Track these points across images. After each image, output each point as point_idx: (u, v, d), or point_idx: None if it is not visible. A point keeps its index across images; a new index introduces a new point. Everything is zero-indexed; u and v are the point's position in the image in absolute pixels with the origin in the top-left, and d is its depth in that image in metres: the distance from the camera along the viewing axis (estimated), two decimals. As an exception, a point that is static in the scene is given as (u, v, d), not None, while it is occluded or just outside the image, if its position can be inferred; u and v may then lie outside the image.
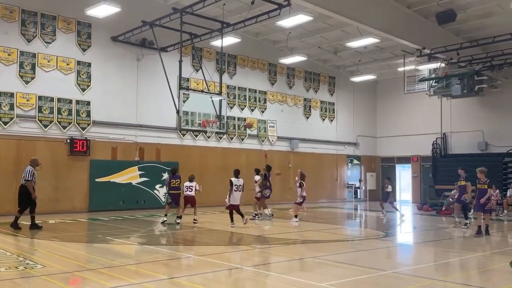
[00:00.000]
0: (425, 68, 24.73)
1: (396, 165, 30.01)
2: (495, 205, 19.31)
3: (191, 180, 14.88)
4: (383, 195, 19.74)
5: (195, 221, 14.70)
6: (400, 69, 25.16)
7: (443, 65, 22.62)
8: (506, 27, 19.39)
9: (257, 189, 16.44)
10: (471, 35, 21.67)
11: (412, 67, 25.01)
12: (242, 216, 14.16)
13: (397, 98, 28.72)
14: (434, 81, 23.54)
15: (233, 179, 14.21)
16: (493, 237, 12.98)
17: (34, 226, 12.89)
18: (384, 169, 30.48)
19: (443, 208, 20.67)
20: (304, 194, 16.15)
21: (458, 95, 23.14)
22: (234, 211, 14.13)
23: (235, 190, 14.10)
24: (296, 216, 15.96)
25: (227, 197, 14.15)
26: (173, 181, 14.97)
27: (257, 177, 16.80)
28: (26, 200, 12.78)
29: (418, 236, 14.52)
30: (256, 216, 16.25)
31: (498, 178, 22.15)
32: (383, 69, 28.05)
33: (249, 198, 18.42)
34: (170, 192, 15.13)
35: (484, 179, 12.74)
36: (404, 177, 30.09)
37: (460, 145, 26.42)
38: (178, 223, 14.48)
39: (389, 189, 19.08)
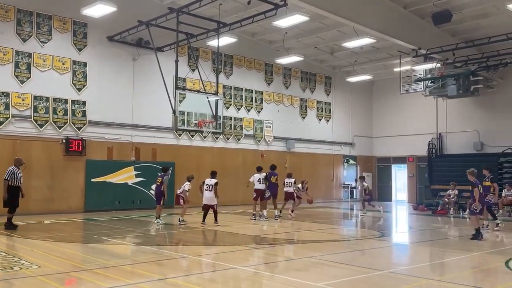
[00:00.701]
0: (421, 68, 24.78)
1: (392, 165, 30.06)
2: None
3: (187, 180, 14.87)
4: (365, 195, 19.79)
5: (179, 221, 14.61)
6: (396, 69, 25.20)
7: (439, 65, 22.68)
8: (501, 27, 19.47)
9: (261, 186, 16.41)
10: (466, 36, 21.75)
11: (408, 67, 25.06)
12: (215, 219, 14.27)
13: (393, 98, 28.77)
14: (430, 81, 23.58)
15: (207, 179, 14.35)
16: (489, 237, 13.01)
17: (10, 226, 12.72)
18: (380, 169, 30.55)
19: (439, 208, 20.73)
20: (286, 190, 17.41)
21: (454, 95, 23.19)
22: (210, 211, 14.21)
23: (205, 189, 14.19)
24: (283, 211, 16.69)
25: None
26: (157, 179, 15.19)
27: (255, 176, 16.68)
28: (10, 199, 12.69)
29: (414, 236, 14.54)
30: (254, 216, 16.26)
31: (494, 178, 22.19)
32: (379, 69, 28.11)
33: (247, 198, 18.44)
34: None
35: (473, 180, 12.50)
36: (400, 177, 30.15)
37: (456, 145, 26.49)
38: (157, 223, 14.61)
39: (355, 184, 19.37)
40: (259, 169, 16.85)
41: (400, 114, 28.99)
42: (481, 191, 12.34)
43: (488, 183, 14.13)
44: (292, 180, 17.50)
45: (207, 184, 14.23)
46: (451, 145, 26.83)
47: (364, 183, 20.00)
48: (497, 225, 14.29)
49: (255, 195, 16.48)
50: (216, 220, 14.33)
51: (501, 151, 23.84)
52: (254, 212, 16.38)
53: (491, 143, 24.97)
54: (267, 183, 16.42)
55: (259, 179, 16.40)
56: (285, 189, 17.41)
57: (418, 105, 27.31)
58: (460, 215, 19.92)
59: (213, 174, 14.59)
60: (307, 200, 18.88)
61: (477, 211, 12.30)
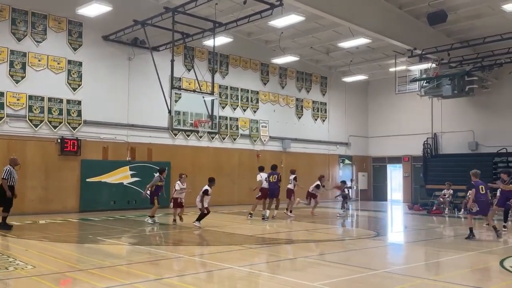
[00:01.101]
0: (416, 68, 24.86)
1: (388, 165, 30.13)
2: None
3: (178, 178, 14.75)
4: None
5: (174, 221, 14.61)
6: (392, 69, 25.28)
7: (434, 65, 22.74)
8: (496, 28, 19.55)
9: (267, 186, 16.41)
10: (461, 36, 21.83)
11: (403, 67, 25.13)
12: (197, 219, 13.93)
13: (389, 98, 28.85)
14: (425, 81, 23.64)
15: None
16: (483, 236, 13.06)
17: (4, 226, 12.69)
18: (375, 169, 30.61)
19: (434, 208, 20.80)
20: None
21: (449, 95, 23.27)
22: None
23: (198, 194, 13.91)
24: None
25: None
26: None
27: (262, 175, 16.64)
28: (5, 198, 12.66)
29: (409, 235, 14.59)
30: (250, 216, 16.21)
31: (488, 178, 22.26)
32: (374, 70, 28.16)
33: (243, 198, 18.42)
34: None
35: (473, 182, 12.44)
36: (395, 177, 30.23)
37: (451, 145, 26.58)
38: (151, 222, 14.50)
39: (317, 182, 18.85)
40: (262, 169, 16.83)
41: (396, 114, 29.06)
42: (483, 192, 12.22)
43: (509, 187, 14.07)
44: (292, 176, 17.47)
45: (201, 189, 14.08)
46: (446, 145, 26.92)
47: (345, 190, 19.76)
48: (504, 227, 14.07)
49: (260, 194, 16.43)
50: (197, 219, 13.80)
51: (496, 151, 23.92)
52: (251, 212, 16.32)
53: (486, 143, 25.06)
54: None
55: (266, 178, 16.42)
56: (288, 186, 17.42)
57: (413, 105, 27.39)
58: (455, 214, 20.00)
59: (209, 181, 14.00)
60: (335, 187, 18.98)
61: (473, 211, 12.38)
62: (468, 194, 20.17)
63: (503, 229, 14.08)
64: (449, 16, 18.19)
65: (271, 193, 16.55)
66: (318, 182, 18.37)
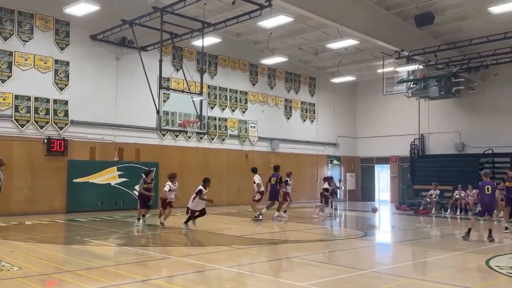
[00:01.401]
0: (404, 70, 25.06)
1: (375, 166, 30.33)
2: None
3: (169, 179, 14.61)
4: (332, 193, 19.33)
5: (161, 223, 14.39)
6: (379, 70, 25.44)
7: (421, 67, 22.94)
8: (482, 30, 19.77)
9: (256, 188, 16.42)
10: (448, 38, 22.03)
11: (391, 68, 25.31)
12: (185, 220, 13.67)
13: (376, 99, 29.04)
14: (412, 82, 23.86)
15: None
16: (471, 236, 13.17)
17: None
18: (363, 169, 30.79)
19: (421, 208, 20.98)
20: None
21: (436, 96, 23.51)
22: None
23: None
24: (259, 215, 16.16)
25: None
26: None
27: (259, 177, 16.63)
28: None
29: (396, 235, 14.68)
30: (260, 216, 16.17)
31: (474, 179, 22.52)
32: (362, 71, 28.32)
33: (232, 198, 18.34)
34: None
35: (483, 180, 12.37)
36: (383, 177, 30.44)
37: (438, 145, 26.82)
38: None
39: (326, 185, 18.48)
40: (255, 171, 16.80)
41: (383, 115, 29.25)
42: (488, 192, 12.04)
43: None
44: (286, 179, 17.39)
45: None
46: (433, 145, 27.15)
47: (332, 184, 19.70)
48: (506, 228, 13.82)
49: (260, 197, 16.46)
50: (185, 221, 13.55)
51: (482, 151, 24.19)
52: (260, 213, 16.21)
53: (472, 144, 25.31)
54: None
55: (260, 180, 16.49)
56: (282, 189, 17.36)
57: (400, 106, 27.59)
58: (442, 214, 20.19)
59: (203, 181, 13.70)
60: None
61: (476, 211, 12.51)
62: (455, 194, 20.51)
63: (505, 230, 13.78)
64: (436, 18, 18.36)
65: (271, 196, 16.47)
66: (326, 185, 18.23)
